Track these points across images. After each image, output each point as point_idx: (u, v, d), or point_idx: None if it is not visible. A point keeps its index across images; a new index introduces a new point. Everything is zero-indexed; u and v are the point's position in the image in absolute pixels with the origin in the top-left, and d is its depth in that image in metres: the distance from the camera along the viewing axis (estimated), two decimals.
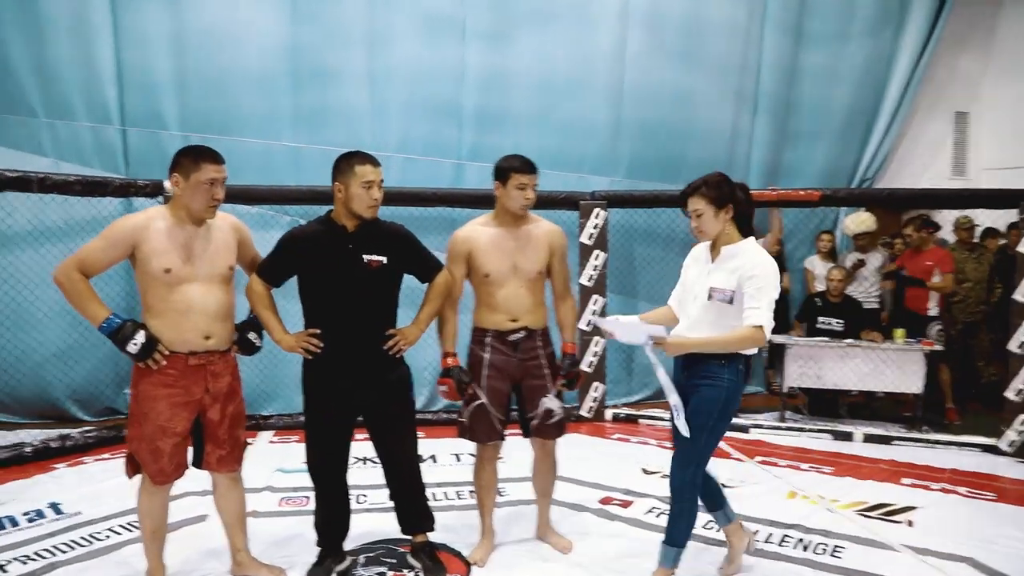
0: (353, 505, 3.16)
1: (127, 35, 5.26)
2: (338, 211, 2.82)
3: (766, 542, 3.49)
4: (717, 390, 2.69)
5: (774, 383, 6.85)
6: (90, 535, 3.34)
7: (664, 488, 4.07)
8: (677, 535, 2.85)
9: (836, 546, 3.45)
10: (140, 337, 2.53)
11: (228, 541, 2.95)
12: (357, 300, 2.80)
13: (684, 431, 2.70)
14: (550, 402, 3.11)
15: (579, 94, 5.98)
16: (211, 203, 2.60)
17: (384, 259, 2.83)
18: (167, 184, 4.99)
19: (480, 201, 5.47)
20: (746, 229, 2.74)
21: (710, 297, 2.68)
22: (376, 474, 3.63)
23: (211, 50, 5.38)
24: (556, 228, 3.17)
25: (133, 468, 2.70)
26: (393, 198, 5.15)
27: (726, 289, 2.64)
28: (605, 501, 3.96)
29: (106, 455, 4.53)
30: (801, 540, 3.51)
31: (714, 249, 2.76)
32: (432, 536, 3.27)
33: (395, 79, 5.65)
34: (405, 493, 3.09)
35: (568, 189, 5.61)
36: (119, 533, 3.37)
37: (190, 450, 2.77)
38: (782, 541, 3.50)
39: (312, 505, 3.64)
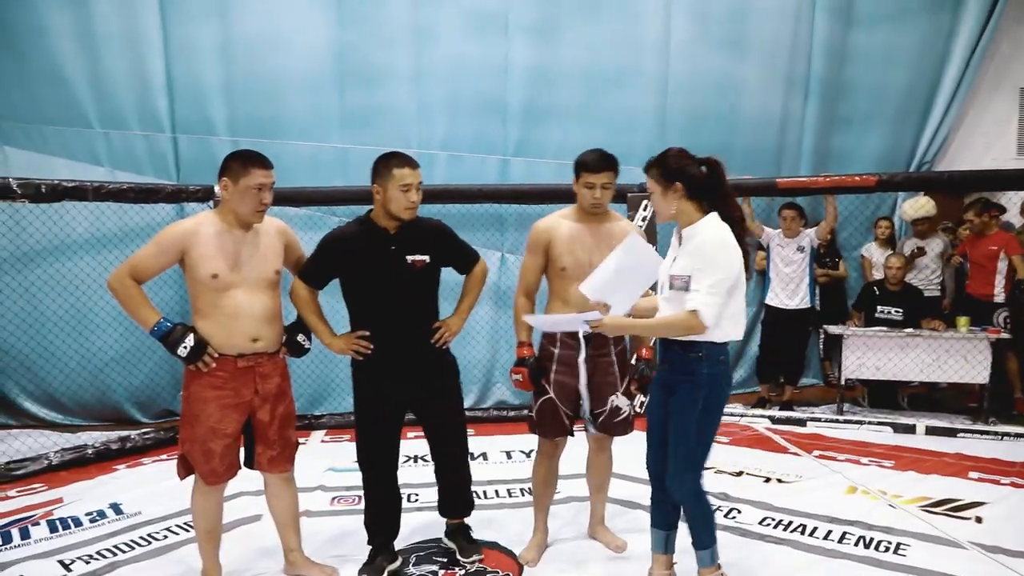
0: (404, 504, 3.19)
1: (177, 45, 5.35)
2: (377, 212, 2.84)
3: (825, 539, 3.40)
4: (694, 387, 2.53)
5: (831, 374, 6.67)
6: (149, 535, 3.42)
7: (717, 484, 4.03)
8: (704, 538, 2.71)
9: (900, 543, 3.33)
10: (190, 340, 2.57)
11: (281, 541, 2.98)
12: (403, 300, 2.83)
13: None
14: (618, 399, 3.07)
15: (624, 86, 5.88)
16: (259, 207, 2.64)
17: (427, 258, 2.86)
18: (217, 188, 5.15)
19: (525, 196, 5.47)
20: (712, 206, 2.51)
21: (672, 286, 2.51)
22: (427, 472, 3.66)
23: (258, 56, 5.44)
24: (636, 227, 3.13)
25: (186, 469, 2.75)
26: (439, 195, 5.22)
27: (683, 275, 2.46)
28: None
29: (163, 456, 4.64)
30: (863, 537, 3.41)
31: (678, 232, 2.58)
32: (482, 534, 3.30)
33: (439, 77, 5.63)
34: (452, 481, 3.14)
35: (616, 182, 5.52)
36: (176, 533, 3.44)
37: (242, 451, 2.81)
38: (842, 538, 3.40)
39: (363, 504, 3.75)
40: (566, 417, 3.05)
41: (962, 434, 5.10)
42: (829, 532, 3.46)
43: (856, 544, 3.34)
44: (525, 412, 5.58)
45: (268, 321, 2.72)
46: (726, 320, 2.50)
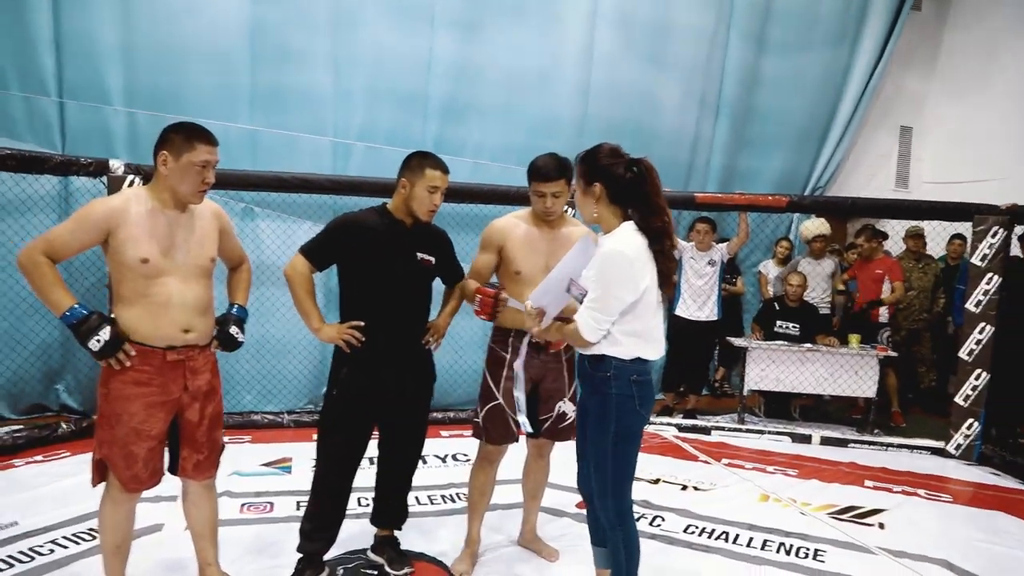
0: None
1: None
2: (396, 205, 2.77)
3: (748, 546, 3.47)
4: (604, 409, 2.33)
5: (725, 384, 6.93)
6: (31, 549, 3.00)
7: (636, 491, 4.04)
8: (618, 571, 2.45)
9: (817, 550, 3.45)
10: (105, 333, 2.26)
11: (196, 554, 2.68)
12: (405, 296, 2.77)
13: (525, 427, 2.58)
14: (565, 405, 2.99)
15: (546, 90, 5.87)
16: (201, 187, 2.39)
17: (434, 259, 2.83)
18: (113, 163, 4.71)
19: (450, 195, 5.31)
20: (636, 214, 2.30)
21: (568, 290, 2.35)
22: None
23: (162, 20, 5.01)
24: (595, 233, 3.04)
25: (100, 475, 2.43)
26: (357, 187, 4.98)
27: (584, 287, 2.30)
28: (581, 505, 3.84)
29: (38, 457, 4.15)
30: (782, 544, 3.50)
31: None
32: (410, 544, 3.15)
33: (360, 64, 5.40)
34: (394, 491, 3.01)
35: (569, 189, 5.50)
36: (64, 546, 3.04)
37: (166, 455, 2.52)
38: (764, 546, 3.48)
39: (278, 511, 3.49)
40: (514, 423, 2.94)
41: (852, 444, 5.40)
42: (751, 539, 3.54)
43: (778, 551, 3.42)
44: (435, 415, 5.50)
45: (201, 312, 2.45)
46: (627, 337, 2.30)
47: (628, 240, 2.25)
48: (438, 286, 2.99)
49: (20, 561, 2.91)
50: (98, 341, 2.24)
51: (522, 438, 3.05)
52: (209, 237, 2.51)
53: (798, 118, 6.92)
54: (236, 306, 2.66)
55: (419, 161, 2.71)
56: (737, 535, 3.58)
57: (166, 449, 2.50)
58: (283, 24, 5.23)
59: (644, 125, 6.21)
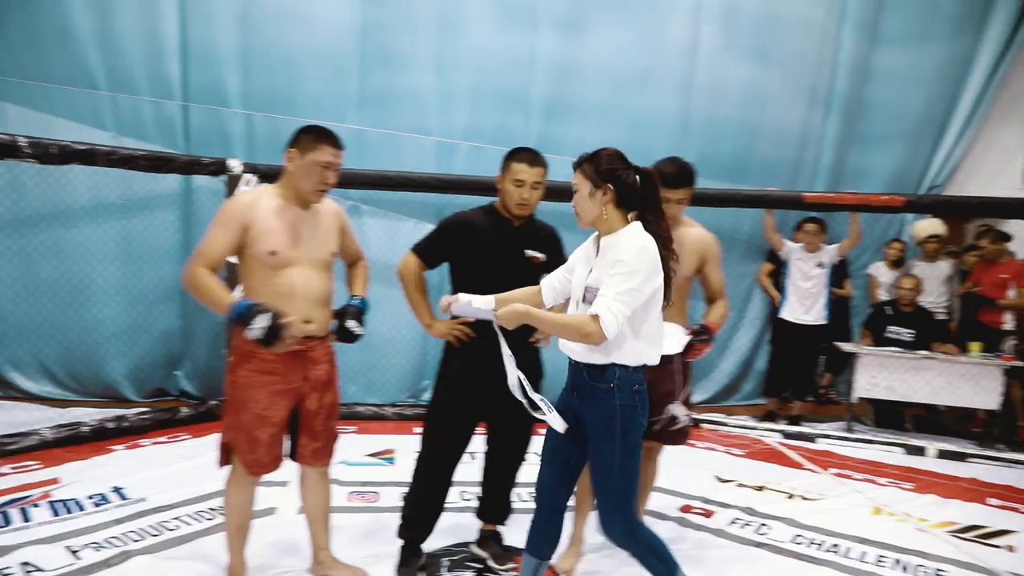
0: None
1: (193, 7, 5.11)
2: (501, 204, 2.82)
3: (861, 560, 3.32)
4: (608, 423, 2.24)
5: (831, 391, 6.65)
6: (159, 523, 3.20)
7: (740, 498, 3.95)
8: (660, 571, 2.39)
9: (938, 570, 3.26)
10: (263, 320, 2.27)
11: (311, 538, 2.80)
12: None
13: (558, 426, 2.34)
14: (676, 408, 2.95)
15: (648, 87, 5.78)
16: (321, 186, 2.51)
17: (543, 256, 2.83)
18: (231, 163, 4.95)
19: (547, 193, 5.31)
20: (641, 219, 2.29)
21: (585, 299, 2.26)
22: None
23: (278, 27, 5.23)
24: (710, 237, 3.01)
25: (226, 458, 2.56)
26: (461, 186, 5.08)
27: (597, 287, 2.21)
28: (685, 509, 3.79)
29: (163, 438, 4.41)
30: (899, 561, 3.33)
31: (596, 241, 2.35)
32: (514, 540, 3.17)
33: (463, 66, 5.48)
34: (499, 487, 3.04)
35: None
36: (188, 523, 3.23)
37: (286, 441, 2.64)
38: (879, 561, 3.32)
39: (383, 501, 3.59)
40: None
41: (972, 459, 5.09)
42: (864, 553, 3.38)
43: (893, 568, 3.26)
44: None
45: (322, 304, 2.57)
46: (640, 341, 2.23)
47: (646, 237, 2.23)
48: None
49: (150, 534, 3.10)
50: (262, 330, 2.29)
51: None
52: (331, 233, 2.63)
53: (914, 112, 6.55)
54: (357, 297, 2.74)
55: (508, 155, 2.76)
56: (848, 548, 3.43)
57: (286, 436, 2.61)
58: (390, 27, 5.37)
59: (749, 122, 6.03)
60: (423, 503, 2.90)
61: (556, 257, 2.90)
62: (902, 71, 6.43)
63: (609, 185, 2.23)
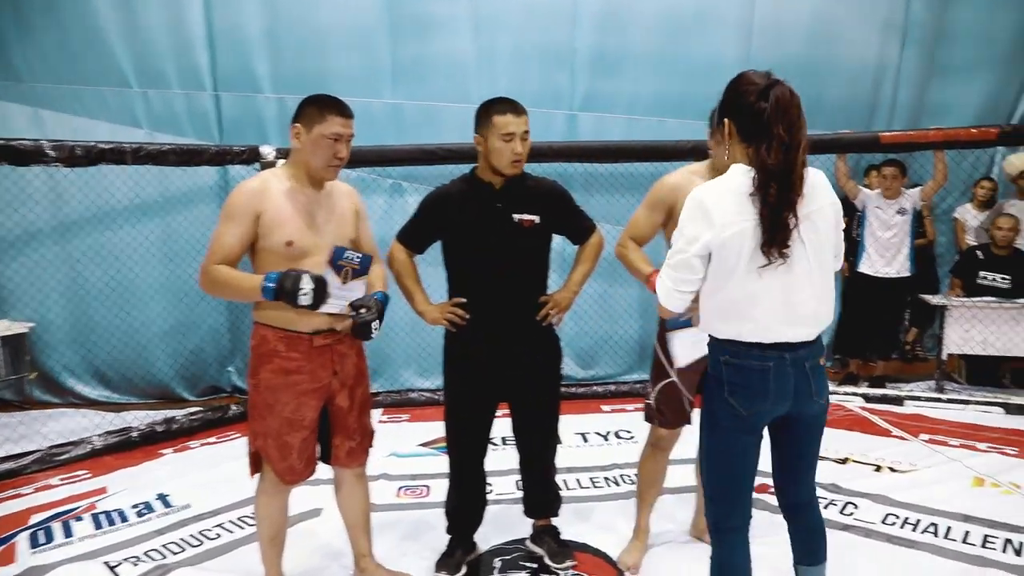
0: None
1: None
2: (482, 166, 2.55)
3: (964, 542, 2.95)
4: (706, 393, 2.01)
5: (917, 347, 6.15)
6: (200, 532, 3.08)
7: (822, 473, 3.58)
8: None
9: None
10: (307, 282, 2.12)
11: (352, 545, 2.62)
12: (506, 264, 2.52)
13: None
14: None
15: (704, 32, 5.32)
16: (333, 162, 2.27)
17: (536, 218, 2.53)
18: (264, 149, 4.80)
19: (596, 154, 5.03)
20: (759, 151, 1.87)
21: None
22: (503, 458, 3.30)
23: (302, 6, 5.02)
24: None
25: (256, 466, 2.39)
26: None
27: None
28: (761, 489, 3.43)
29: (212, 439, 4.33)
30: (1009, 542, 2.94)
31: None
32: (570, 534, 2.94)
33: (500, 24, 5.14)
34: (538, 477, 2.81)
35: (696, 138, 5.03)
36: (230, 531, 3.10)
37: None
38: (985, 542, 2.94)
39: (434, 495, 3.40)
40: (688, 403, 2.63)
41: None
42: (967, 534, 3.00)
43: (1005, 550, 2.88)
44: (596, 388, 5.28)
45: None
46: (707, 312, 1.92)
47: (719, 183, 1.86)
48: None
49: (191, 545, 2.98)
50: (305, 295, 2.12)
51: (695, 418, 2.73)
52: (347, 216, 2.42)
53: (1002, 36, 5.88)
54: (379, 292, 2.46)
55: (486, 110, 2.47)
56: (949, 528, 3.06)
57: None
58: None
59: (817, 61, 5.51)
60: (460, 495, 2.75)
61: (556, 216, 2.60)
62: None
63: (726, 119, 1.90)
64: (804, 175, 1.81)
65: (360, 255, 2.30)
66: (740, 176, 1.83)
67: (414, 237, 2.66)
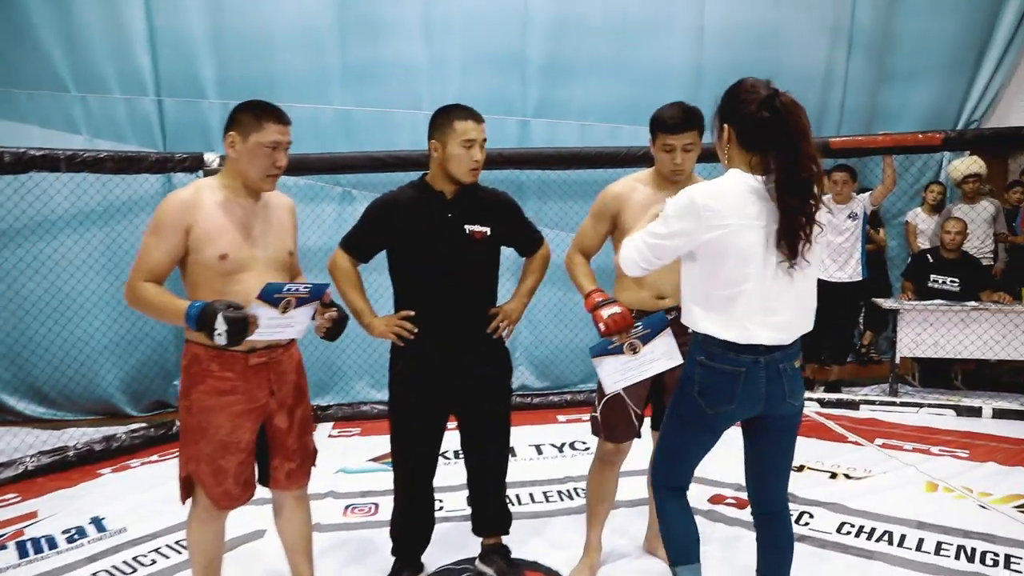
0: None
1: None
2: (434, 174, 2.47)
3: (919, 550, 2.94)
4: (679, 384, 2.08)
5: (871, 349, 6.22)
6: (135, 559, 2.93)
7: (811, 492, 3.52)
8: (667, 547, 2.18)
9: (1009, 555, 2.87)
10: (220, 324, 1.95)
11: (291, 570, 2.50)
12: (457, 276, 2.44)
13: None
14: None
15: (655, 38, 5.31)
16: (271, 171, 2.15)
17: (488, 230, 2.47)
18: (208, 156, 4.64)
19: (549, 161, 4.97)
20: (774, 161, 1.93)
21: None
22: (451, 473, 3.20)
23: (249, 7, 4.88)
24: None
25: (188, 492, 2.26)
26: None
27: None
28: (716, 500, 3.44)
29: (154, 457, 4.15)
30: (962, 548, 2.95)
31: None
32: (522, 551, 2.87)
33: (452, 29, 5.06)
34: (487, 493, 2.72)
35: (648, 145, 5.01)
36: (167, 556, 2.95)
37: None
38: (939, 549, 2.94)
39: (382, 513, 3.29)
40: (636, 416, 2.57)
41: None
42: (921, 541, 3.00)
43: (958, 556, 2.88)
44: (551, 398, 5.23)
45: None
46: (688, 300, 1.99)
47: (715, 185, 1.90)
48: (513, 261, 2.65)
49: (123, 572, 2.84)
50: (220, 336, 1.97)
51: (647, 432, 2.68)
52: (287, 229, 2.31)
53: (947, 43, 5.98)
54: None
55: (445, 115, 2.40)
56: (903, 535, 3.05)
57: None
58: None
59: (766, 65, 5.41)
60: (406, 514, 2.65)
61: (507, 228, 2.55)
62: None
63: (726, 125, 1.93)
64: (823, 184, 1.88)
65: (310, 285, 2.16)
66: (738, 179, 1.87)
67: (359, 245, 2.55)
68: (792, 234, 1.83)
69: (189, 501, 2.27)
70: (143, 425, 4.55)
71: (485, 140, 2.43)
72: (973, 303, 4.92)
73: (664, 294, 2.48)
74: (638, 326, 2.33)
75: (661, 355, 2.29)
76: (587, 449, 4.13)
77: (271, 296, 2.06)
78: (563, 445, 4.26)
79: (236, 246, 2.14)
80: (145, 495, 3.55)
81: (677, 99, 5.21)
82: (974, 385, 5.39)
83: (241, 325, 1.99)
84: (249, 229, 2.18)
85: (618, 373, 2.29)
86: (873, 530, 3.11)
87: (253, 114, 2.14)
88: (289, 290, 2.10)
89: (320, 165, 4.70)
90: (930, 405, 4.87)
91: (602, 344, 2.28)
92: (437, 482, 2.70)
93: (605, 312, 2.28)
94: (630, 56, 5.29)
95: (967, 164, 5.63)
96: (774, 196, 1.82)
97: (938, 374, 5.49)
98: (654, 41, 5.32)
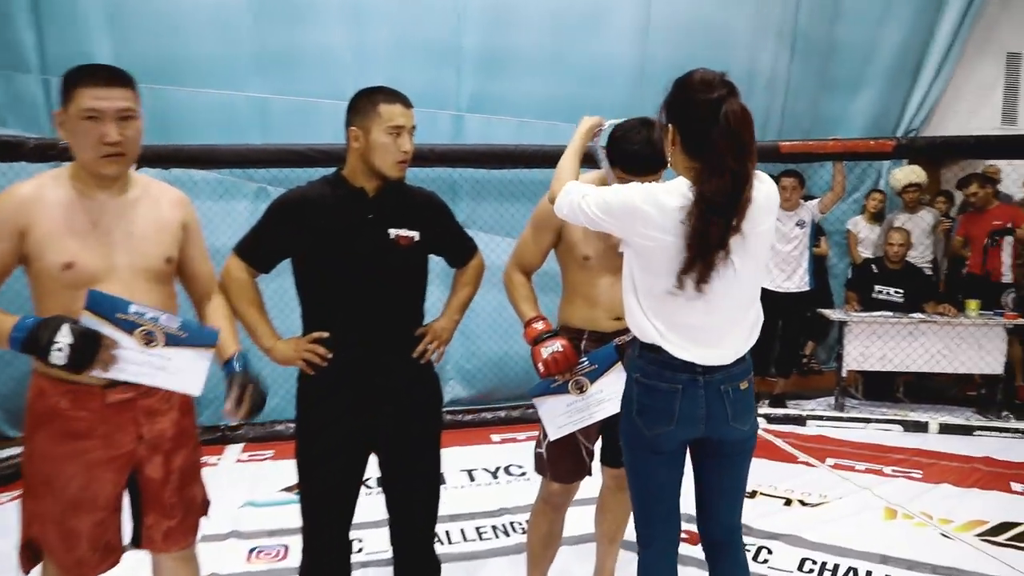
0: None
1: None
2: (352, 167, 2.04)
3: None
4: (622, 409, 1.90)
5: (812, 359, 6.09)
6: None
7: (767, 522, 3.28)
8: None
9: None
10: (64, 336, 1.55)
11: None
12: (378, 290, 2.02)
13: None
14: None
15: (598, 31, 5.02)
16: (102, 150, 1.67)
17: (416, 235, 2.07)
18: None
19: (484, 159, 4.62)
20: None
21: None
22: (371, 506, 2.77)
23: None
24: None
25: (30, 560, 1.80)
26: None
27: None
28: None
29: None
30: None
31: None
32: None
33: (380, 16, 4.65)
34: (415, 544, 2.28)
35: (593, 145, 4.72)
36: None
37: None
38: None
39: (292, 558, 2.86)
40: (586, 453, 2.24)
41: (979, 432, 4.55)
42: None
43: None
44: (484, 415, 4.88)
45: None
46: (631, 304, 1.81)
47: (659, 195, 1.69)
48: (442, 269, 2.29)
49: None
50: (60, 351, 1.56)
51: (596, 467, 2.35)
52: (166, 231, 1.84)
53: (887, 51, 5.96)
54: (236, 357, 1.89)
55: (369, 98, 1.99)
56: (869, 572, 2.82)
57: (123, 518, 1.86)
58: None
59: (712, 65, 5.19)
60: (315, 566, 2.17)
61: (436, 234, 2.16)
62: (873, 6, 5.84)
63: (671, 124, 1.73)
64: (749, 204, 1.66)
65: (188, 323, 1.72)
66: (678, 194, 1.67)
67: (259, 251, 2.10)
68: (702, 260, 1.66)
69: (34, 572, 1.80)
70: (19, 451, 3.97)
71: (415, 128, 2.04)
72: (920, 315, 4.79)
73: (620, 314, 2.14)
74: (584, 361, 2.04)
75: (612, 395, 2.00)
76: (523, 474, 3.79)
77: (111, 314, 1.62)
78: (497, 470, 3.89)
79: (85, 253, 1.69)
80: (5, 541, 3.02)
81: (619, 96, 4.98)
82: (916, 397, 5.29)
83: (91, 341, 1.58)
84: (105, 231, 1.73)
85: (563, 416, 2.01)
86: (836, 567, 2.87)
87: (72, 80, 1.68)
88: (139, 314, 1.66)
89: (230, 157, 4.22)
90: (877, 420, 4.72)
91: (544, 383, 1.99)
92: (356, 517, 2.27)
93: (545, 351, 2.01)
94: (571, 50, 5.00)
95: (906, 173, 5.57)
96: (692, 212, 1.63)
97: (881, 386, 5.37)
98: (596, 35, 5.05)
